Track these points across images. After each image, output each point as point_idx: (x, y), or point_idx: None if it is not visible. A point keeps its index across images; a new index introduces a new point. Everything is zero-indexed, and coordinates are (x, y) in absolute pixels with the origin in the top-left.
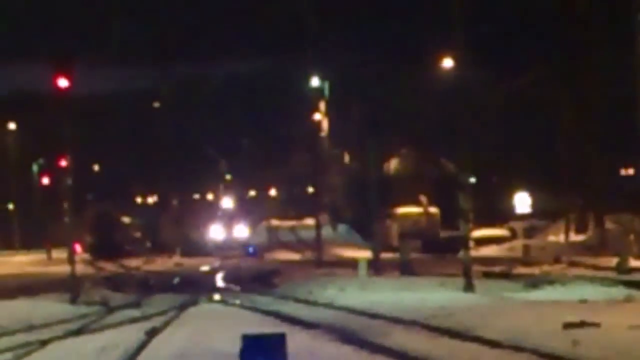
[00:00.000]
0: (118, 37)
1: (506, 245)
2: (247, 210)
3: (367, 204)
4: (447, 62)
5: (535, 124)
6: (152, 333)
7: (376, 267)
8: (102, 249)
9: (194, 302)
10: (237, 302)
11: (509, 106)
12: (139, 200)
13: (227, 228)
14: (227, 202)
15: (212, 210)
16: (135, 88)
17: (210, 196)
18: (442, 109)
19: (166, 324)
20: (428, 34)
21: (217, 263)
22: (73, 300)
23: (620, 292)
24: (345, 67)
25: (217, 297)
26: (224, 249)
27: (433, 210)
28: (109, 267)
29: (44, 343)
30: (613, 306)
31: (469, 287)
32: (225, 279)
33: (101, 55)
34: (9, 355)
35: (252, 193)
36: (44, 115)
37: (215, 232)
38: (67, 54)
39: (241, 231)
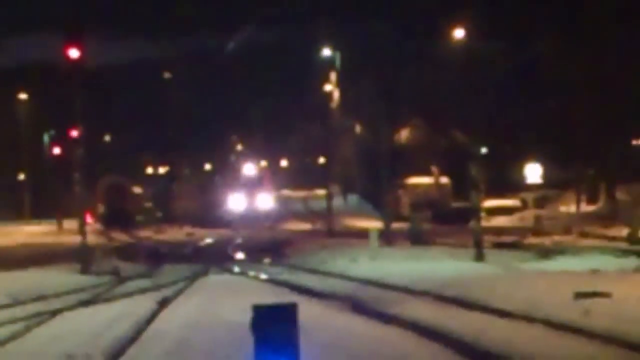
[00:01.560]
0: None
1: (517, 216)
2: (270, 178)
3: (378, 175)
4: (459, 33)
5: (547, 95)
6: (163, 303)
7: (387, 237)
8: (114, 219)
9: (205, 272)
10: (248, 272)
11: (521, 76)
12: (149, 170)
13: (249, 198)
14: (250, 169)
15: (228, 180)
16: (145, 59)
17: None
18: (454, 79)
19: (177, 294)
20: (440, 3)
21: (228, 234)
22: (84, 271)
23: (631, 262)
24: (357, 38)
25: (228, 267)
26: (244, 221)
27: (444, 180)
28: (120, 237)
29: (54, 313)
30: (624, 276)
31: (479, 257)
32: (236, 249)
33: (112, 26)
34: (20, 325)
35: (263, 163)
36: (55, 86)
37: (236, 202)
38: (77, 25)
39: (265, 201)
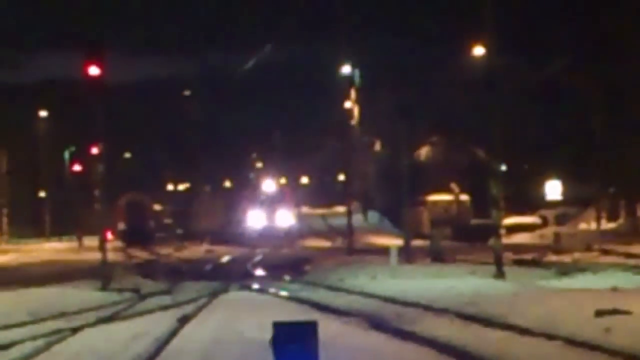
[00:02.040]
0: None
1: (537, 233)
2: (290, 195)
3: (398, 192)
4: (478, 50)
5: (567, 111)
6: (183, 320)
7: (407, 254)
8: (134, 236)
9: (225, 290)
10: (268, 289)
11: (540, 93)
12: (170, 187)
13: (268, 215)
14: (269, 186)
15: (248, 197)
16: (166, 76)
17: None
18: (473, 96)
19: (197, 311)
20: (459, 21)
21: (247, 251)
22: (104, 288)
23: None
24: (376, 55)
25: (248, 284)
26: (263, 239)
27: (464, 197)
28: (141, 254)
29: (75, 330)
30: None
31: (499, 275)
32: (256, 266)
33: (132, 44)
34: (41, 341)
35: (283, 181)
36: (75, 103)
37: (255, 219)
38: (98, 42)
39: (284, 218)
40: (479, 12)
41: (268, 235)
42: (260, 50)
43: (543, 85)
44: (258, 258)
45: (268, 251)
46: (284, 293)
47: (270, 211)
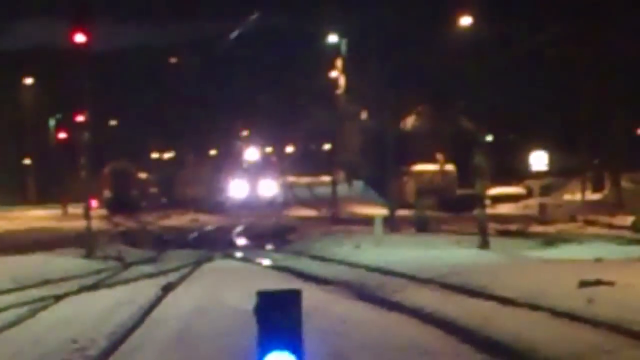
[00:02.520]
0: None
1: (522, 204)
2: (274, 163)
3: (384, 161)
4: (466, 20)
5: (554, 82)
6: (167, 288)
7: (392, 224)
8: (119, 205)
9: (209, 258)
10: (252, 258)
11: (527, 63)
12: (155, 155)
13: (251, 184)
14: (253, 154)
15: (231, 166)
16: (151, 44)
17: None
18: (460, 66)
19: (181, 280)
20: None
21: (231, 220)
22: (89, 255)
23: (635, 251)
24: (363, 24)
25: (232, 253)
26: (246, 208)
27: (449, 167)
28: (125, 222)
29: (58, 298)
30: (628, 265)
31: (484, 245)
32: (240, 235)
33: (118, 11)
34: (24, 309)
35: (269, 149)
36: (61, 71)
37: (237, 189)
38: (84, 9)
39: (268, 187)
40: None
41: (251, 205)
42: (246, 19)
43: (530, 54)
44: (242, 227)
45: (252, 220)
46: (268, 262)
47: (253, 180)
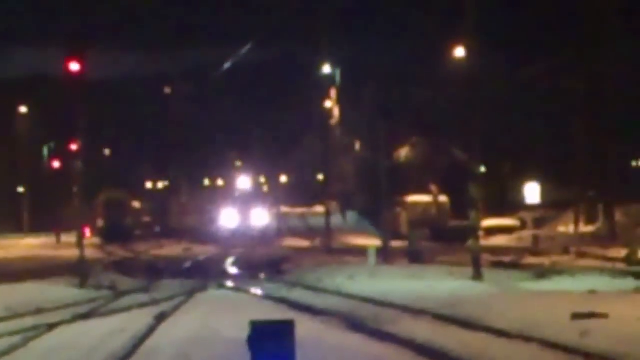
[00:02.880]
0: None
1: (515, 235)
2: (266, 192)
3: (377, 192)
4: (459, 51)
5: (547, 114)
6: (160, 318)
7: (385, 255)
8: (112, 234)
9: (203, 288)
10: (246, 288)
11: (520, 95)
12: (149, 185)
13: (242, 213)
14: (244, 183)
15: (223, 196)
16: (146, 73)
17: (220, 182)
18: (454, 97)
19: (175, 309)
20: (440, 21)
21: (224, 250)
22: (82, 284)
23: (629, 283)
24: (357, 55)
25: (225, 283)
26: (237, 238)
27: (443, 199)
28: (118, 251)
29: (52, 326)
30: (622, 297)
31: (477, 277)
32: (234, 265)
33: (113, 40)
34: (17, 338)
35: (262, 180)
36: (55, 99)
37: (228, 218)
38: (79, 38)
39: (260, 217)
40: (460, 13)
41: (242, 235)
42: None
43: (523, 86)
44: (235, 257)
45: (244, 251)
46: (261, 292)
47: (244, 210)
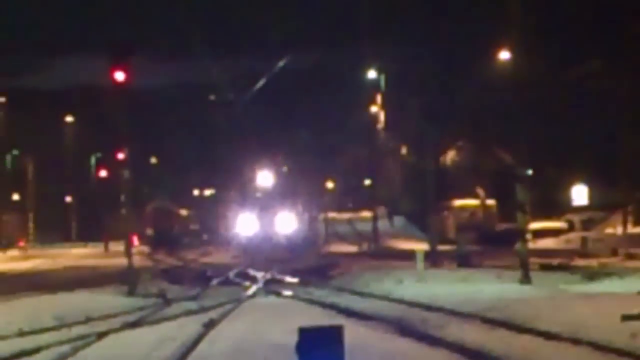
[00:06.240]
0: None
1: (563, 238)
2: (293, 191)
3: (424, 196)
4: (504, 54)
5: (594, 116)
6: (209, 325)
7: (433, 259)
8: (160, 242)
9: (251, 295)
10: (294, 294)
11: (567, 97)
12: (196, 192)
13: (263, 218)
14: (266, 179)
15: (239, 196)
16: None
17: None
18: (499, 100)
19: (223, 317)
20: (485, 24)
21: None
22: (130, 293)
23: None
24: (402, 59)
25: (272, 289)
26: (255, 248)
27: (490, 202)
28: (167, 259)
29: (101, 335)
30: None
31: (525, 280)
32: (282, 271)
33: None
34: (67, 347)
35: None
36: (101, 109)
37: (244, 224)
38: (124, 47)
39: (286, 222)
40: (506, 16)
41: (261, 245)
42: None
43: (570, 87)
44: (284, 263)
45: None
46: (309, 298)
47: (266, 213)
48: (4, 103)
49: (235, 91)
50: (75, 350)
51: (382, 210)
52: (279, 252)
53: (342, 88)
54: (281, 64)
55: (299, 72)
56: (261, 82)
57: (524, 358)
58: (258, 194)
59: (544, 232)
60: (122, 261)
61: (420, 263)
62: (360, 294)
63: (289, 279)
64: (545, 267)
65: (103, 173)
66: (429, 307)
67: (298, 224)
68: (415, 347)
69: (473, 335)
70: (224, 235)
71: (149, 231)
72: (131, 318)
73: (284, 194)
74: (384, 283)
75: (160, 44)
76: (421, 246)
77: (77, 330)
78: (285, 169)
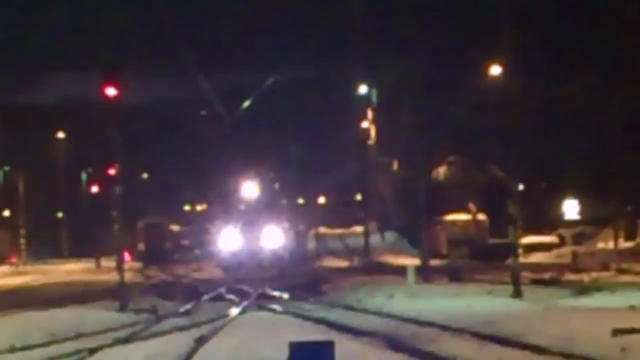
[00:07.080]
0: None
1: (555, 252)
2: (279, 203)
3: (416, 211)
4: (496, 69)
5: (585, 130)
6: (201, 341)
7: (425, 274)
8: (152, 257)
9: (242, 310)
10: (285, 309)
11: (558, 112)
12: (187, 208)
13: (247, 233)
14: (250, 190)
15: (223, 209)
16: (182, 96)
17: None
18: (490, 115)
19: (215, 332)
20: (476, 40)
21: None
22: (122, 308)
23: None
24: (393, 75)
25: (264, 304)
26: (239, 265)
27: (481, 217)
28: (158, 275)
29: (93, 351)
30: None
31: (517, 294)
32: (273, 286)
33: (148, 64)
34: None
35: (300, 201)
36: (92, 124)
37: (228, 239)
38: (115, 63)
39: (272, 236)
40: (496, 32)
41: (245, 261)
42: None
43: (561, 103)
44: (275, 278)
45: (285, 271)
46: (301, 313)
47: (250, 227)
48: None
49: (226, 107)
50: None
51: (373, 225)
52: (264, 269)
53: (333, 103)
54: (269, 81)
55: (289, 88)
56: (247, 102)
57: None
58: (242, 207)
59: (535, 247)
60: (114, 277)
61: (411, 278)
62: (352, 309)
63: (280, 294)
64: (537, 282)
65: (94, 189)
66: (420, 322)
67: (285, 239)
68: None
69: (464, 350)
70: (210, 251)
71: (141, 246)
72: (123, 334)
73: (270, 207)
74: (375, 298)
75: (151, 60)
76: (412, 261)
77: (68, 346)
78: (277, 185)
